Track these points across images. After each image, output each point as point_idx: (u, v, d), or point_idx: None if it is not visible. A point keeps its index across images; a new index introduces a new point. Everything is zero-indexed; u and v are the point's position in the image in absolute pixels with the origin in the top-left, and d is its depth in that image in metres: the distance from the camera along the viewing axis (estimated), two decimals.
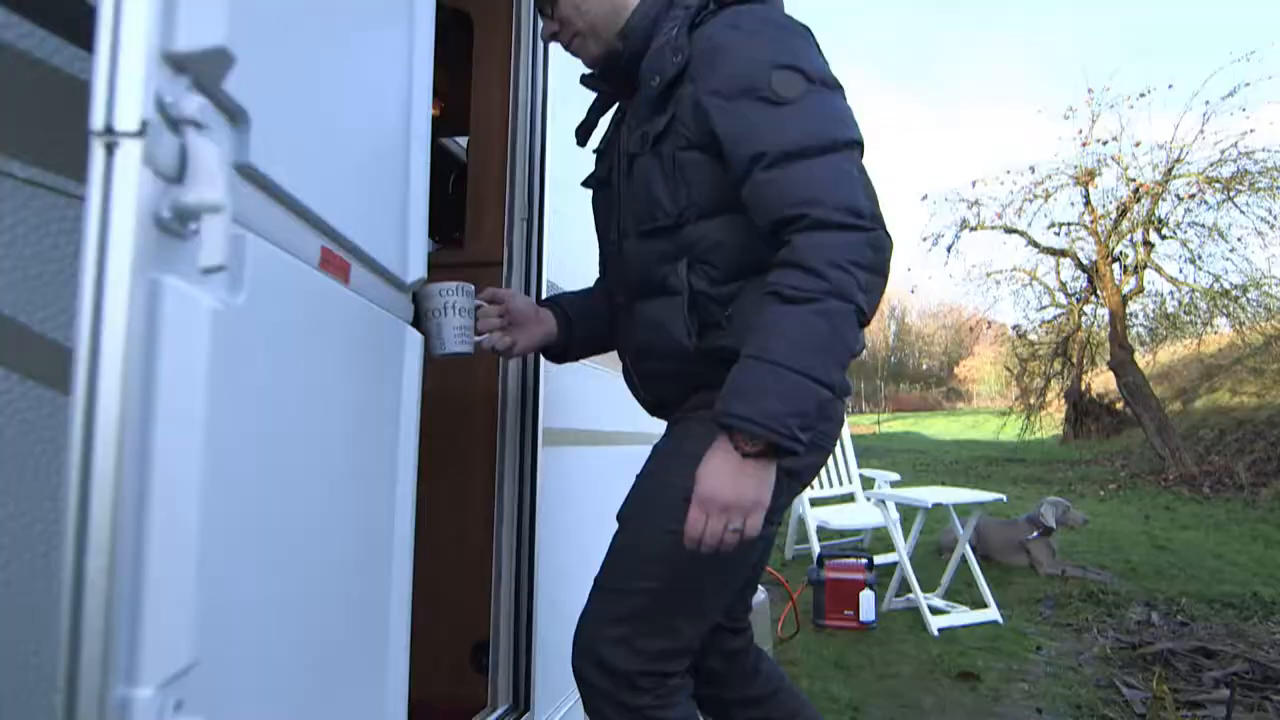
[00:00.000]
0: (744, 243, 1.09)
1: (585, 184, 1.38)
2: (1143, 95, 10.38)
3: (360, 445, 0.78)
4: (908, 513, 4.25)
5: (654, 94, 1.14)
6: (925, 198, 11.85)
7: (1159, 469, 9.36)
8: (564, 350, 1.41)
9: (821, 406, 0.99)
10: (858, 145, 1.07)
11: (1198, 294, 10.69)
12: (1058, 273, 11.90)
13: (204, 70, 0.48)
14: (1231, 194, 9.82)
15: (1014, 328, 12.96)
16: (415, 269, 0.97)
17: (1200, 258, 10.48)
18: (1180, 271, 10.80)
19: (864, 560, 3.76)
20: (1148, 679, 2.95)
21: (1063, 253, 11.53)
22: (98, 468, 0.41)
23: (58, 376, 0.60)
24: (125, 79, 0.44)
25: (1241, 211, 9.90)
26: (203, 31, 0.47)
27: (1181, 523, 6.60)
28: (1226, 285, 10.38)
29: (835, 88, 1.09)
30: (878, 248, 1.01)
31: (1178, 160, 10.15)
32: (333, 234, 0.71)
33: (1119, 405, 12.39)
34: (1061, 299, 12.02)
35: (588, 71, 1.31)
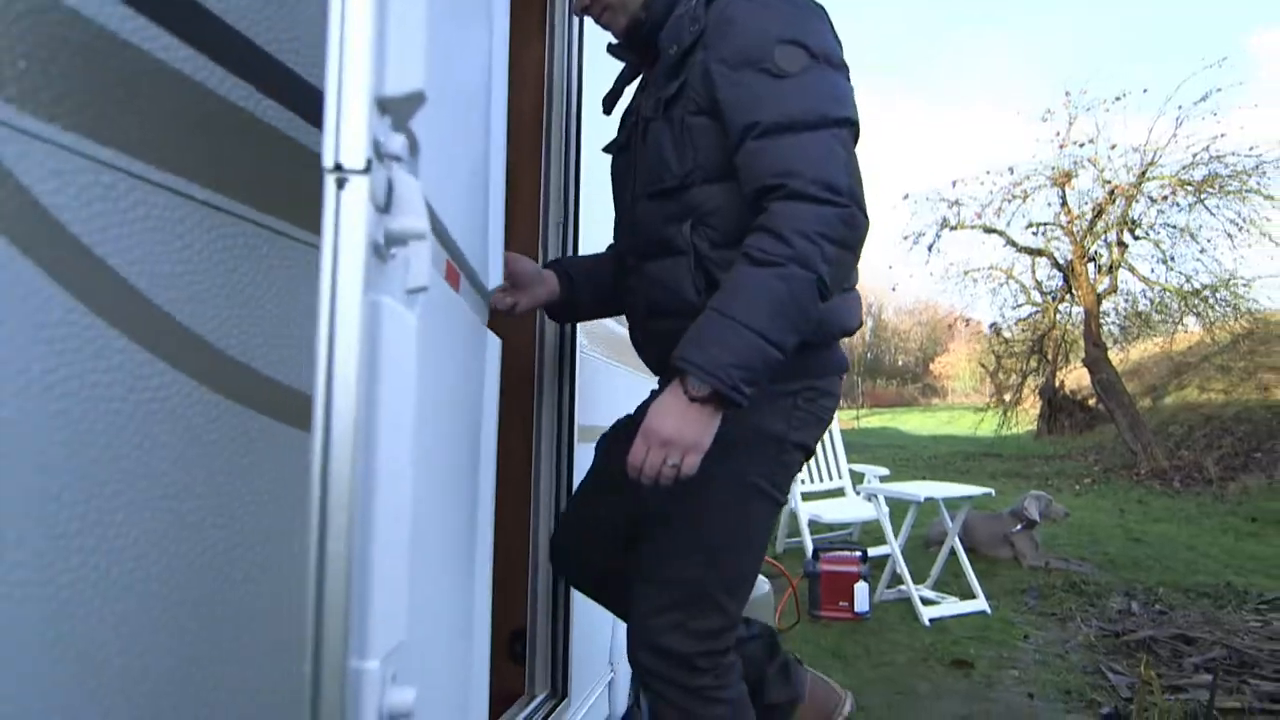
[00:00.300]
0: (742, 210, 1.13)
1: (607, 149, 1.44)
2: (1118, 99, 10.62)
3: (467, 446, 0.84)
4: (895, 506, 4.36)
5: (671, 61, 1.19)
6: (906, 197, 12.03)
7: (1131, 464, 9.61)
8: (566, 309, 1.46)
9: (770, 365, 1.04)
10: (849, 124, 1.12)
11: (1169, 293, 10.97)
12: (1033, 271, 12.15)
13: (402, 110, 0.54)
14: (1202, 196, 10.09)
15: (991, 325, 13.20)
16: (495, 276, 1.02)
17: (1172, 258, 10.76)
18: (1152, 271, 11.09)
19: (858, 553, 3.86)
20: (1132, 665, 3.08)
21: (1039, 252, 11.77)
22: (334, 473, 0.47)
23: (229, 386, 0.65)
24: (350, 123, 0.49)
25: (1212, 213, 10.18)
26: (407, 78, 0.52)
27: (1155, 516, 6.81)
28: (1197, 285, 10.67)
29: (839, 67, 1.14)
30: (850, 224, 1.06)
31: (1151, 163, 10.40)
32: (453, 247, 0.76)
33: (1091, 401, 12.69)
34: (1037, 297, 12.27)
35: (614, 42, 1.38)
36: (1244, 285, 10.42)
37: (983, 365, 15.60)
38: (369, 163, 0.49)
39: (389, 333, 0.50)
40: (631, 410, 1.38)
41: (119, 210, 0.56)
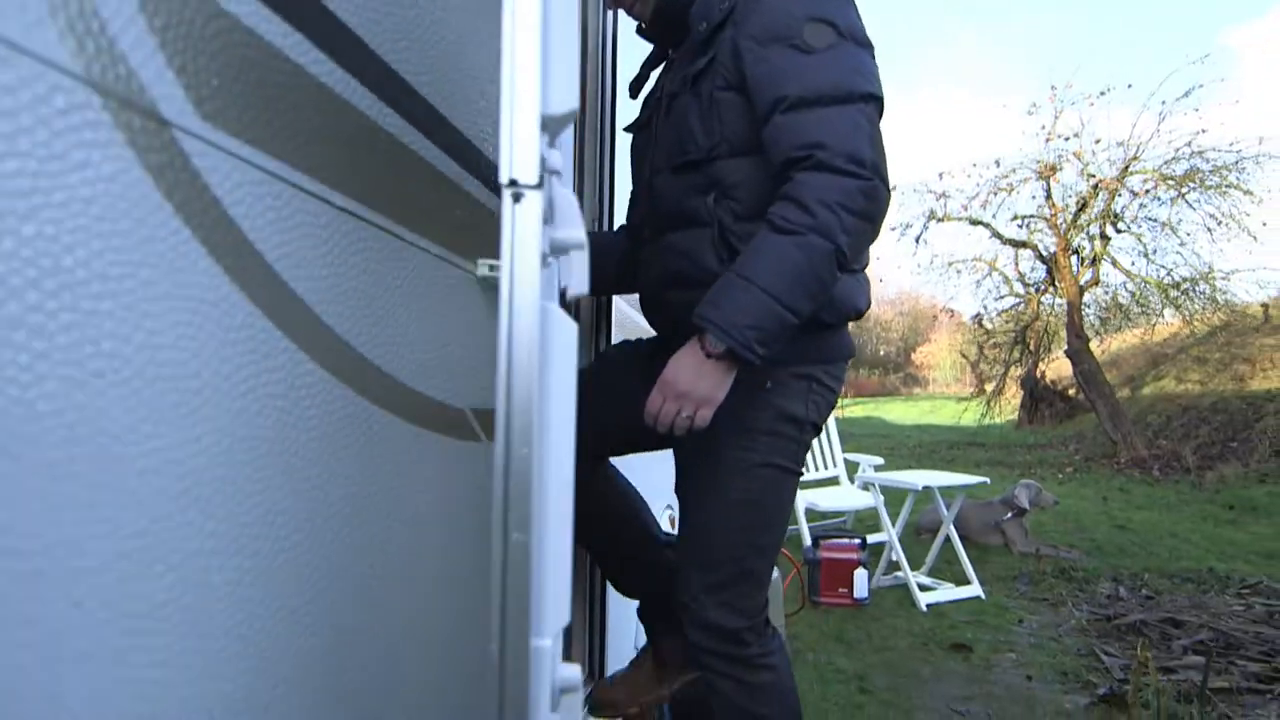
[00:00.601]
0: (766, 184, 1.16)
1: (628, 129, 1.47)
2: (1103, 94, 10.76)
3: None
4: (889, 494, 4.45)
5: (701, 38, 1.23)
6: (895, 188, 12.10)
7: (1111, 453, 9.81)
8: None
9: (785, 329, 1.09)
10: (875, 100, 1.15)
11: (1149, 286, 11.18)
12: (1016, 263, 12.32)
13: (558, 127, 0.58)
14: (1183, 191, 10.28)
15: (974, 316, 13.38)
16: None
17: (1153, 251, 10.97)
18: (1133, 264, 11.29)
19: (857, 540, 3.94)
20: (1124, 647, 3.19)
21: (1023, 244, 11.93)
22: (515, 471, 0.51)
23: (363, 383, 0.68)
24: (522, 141, 0.53)
25: (1192, 208, 10.36)
26: (565, 98, 0.56)
27: (1137, 504, 6.98)
28: (1176, 278, 10.88)
29: (865, 45, 1.18)
30: (872, 197, 1.10)
31: (1134, 157, 10.56)
32: None
33: (1071, 392, 12.91)
34: (1020, 289, 12.44)
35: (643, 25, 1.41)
36: (1222, 278, 10.65)
37: (964, 356, 15.80)
38: (541, 178, 0.53)
39: (555, 336, 0.54)
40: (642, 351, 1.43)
41: (282, 218, 0.59)
